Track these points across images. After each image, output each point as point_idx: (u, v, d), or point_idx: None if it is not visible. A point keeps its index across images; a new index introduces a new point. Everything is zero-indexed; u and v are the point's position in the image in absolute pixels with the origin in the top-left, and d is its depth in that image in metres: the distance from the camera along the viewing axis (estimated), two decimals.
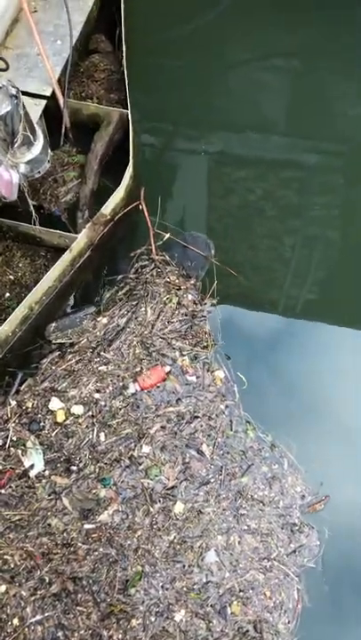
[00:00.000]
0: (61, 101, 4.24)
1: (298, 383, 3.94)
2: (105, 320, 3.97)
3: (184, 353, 3.87)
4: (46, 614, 3.12)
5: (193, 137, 4.99)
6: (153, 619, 3.20)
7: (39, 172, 3.83)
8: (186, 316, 4.01)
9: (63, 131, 4.39)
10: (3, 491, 3.39)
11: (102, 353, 3.82)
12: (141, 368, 3.77)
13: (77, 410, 3.63)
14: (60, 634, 3.10)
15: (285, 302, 4.39)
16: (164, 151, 5.02)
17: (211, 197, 4.73)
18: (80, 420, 3.60)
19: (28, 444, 3.50)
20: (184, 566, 3.33)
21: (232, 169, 4.86)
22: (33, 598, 3.16)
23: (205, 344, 3.94)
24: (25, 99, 3.54)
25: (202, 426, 3.66)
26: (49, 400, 3.65)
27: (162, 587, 3.28)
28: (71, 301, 4.15)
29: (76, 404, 3.65)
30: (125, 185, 4.13)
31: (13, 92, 3.19)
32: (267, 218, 4.62)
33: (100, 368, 3.77)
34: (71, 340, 3.88)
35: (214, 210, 4.71)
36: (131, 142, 4.24)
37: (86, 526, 3.33)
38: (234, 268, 4.21)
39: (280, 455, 3.70)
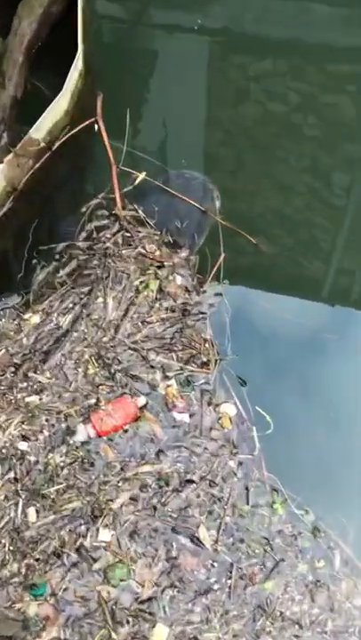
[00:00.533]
0: None
1: (357, 425, 3.41)
2: (37, 318, 3.62)
3: (169, 374, 3.45)
4: None
5: (182, 4, 4.90)
6: None
7: None
8: (173, 311, 3.68)
9: None
10: None
11: (32, 374, 3.42)
12: (98, 399, 3.32)
13: None
14: None
15: (336, 284, 4.00)
16: (133, 29, 4.93)
17: (213, 107, 4.51)
18: None
19: None
20: None
21: (247, 58, 4.69)
22: None
23: (205, 359, 3.54)
24: None
25: (199, 496, 3.16)
26: None
27: None
28: None
29: None
30: (71, 89, 3.88)
31: None
32: (305, 141, 4.33)
33: (28, 399, 3.33)
34: None
35: (218, 129, 4.50)
36: (80, 16, 3.95)
37: None
38: (250, 230, 3.84)
39: (328, 545, 3.11)
